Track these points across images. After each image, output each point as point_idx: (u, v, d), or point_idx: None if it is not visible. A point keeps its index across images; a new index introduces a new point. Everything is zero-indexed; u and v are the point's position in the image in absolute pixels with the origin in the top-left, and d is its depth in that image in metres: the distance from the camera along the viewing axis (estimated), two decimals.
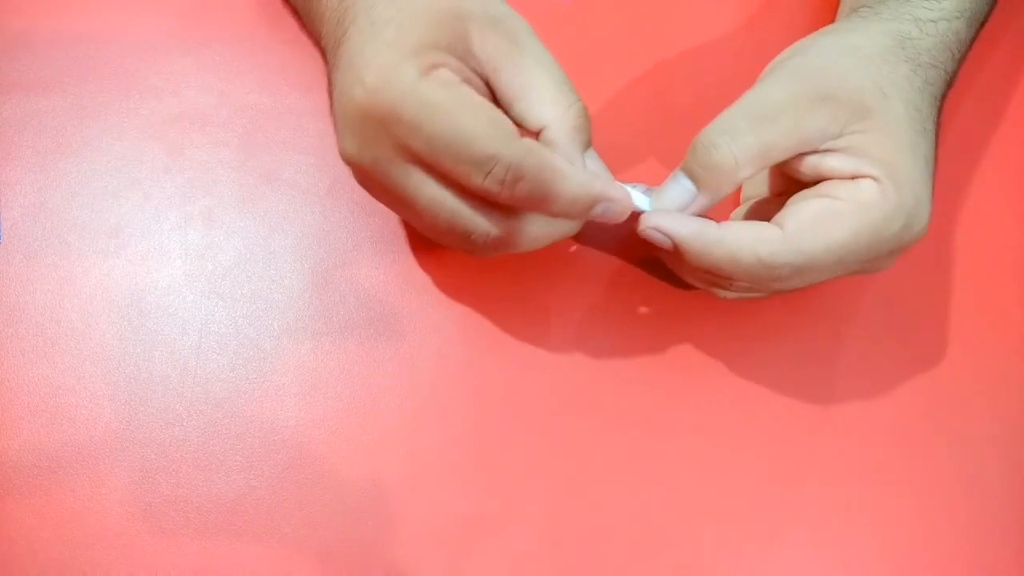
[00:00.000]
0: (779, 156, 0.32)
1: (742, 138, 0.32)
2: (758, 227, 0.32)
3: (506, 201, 0.31)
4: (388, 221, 0.40)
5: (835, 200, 0.32)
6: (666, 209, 0.33)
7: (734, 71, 0.42)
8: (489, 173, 0.30)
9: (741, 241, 0.32)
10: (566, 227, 0.34)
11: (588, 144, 0.33)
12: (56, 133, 0.40)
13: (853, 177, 0.32)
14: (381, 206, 0.40)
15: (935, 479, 0.38)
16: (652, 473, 0.38)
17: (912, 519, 0.38)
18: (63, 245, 0.39)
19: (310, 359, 0.38)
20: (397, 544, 0.36)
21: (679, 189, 0.33)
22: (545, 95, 0.32)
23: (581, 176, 0.31)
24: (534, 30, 0.33)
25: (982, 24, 0.39)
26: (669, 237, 0.32)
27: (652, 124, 0.42)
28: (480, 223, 0.32)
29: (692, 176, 0.33)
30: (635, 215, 0.34)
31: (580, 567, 0.36)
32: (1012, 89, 0.45)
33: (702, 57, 0.44)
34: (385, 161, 0.31)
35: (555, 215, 0.32)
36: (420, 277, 0.39)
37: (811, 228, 0.32)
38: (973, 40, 0.38)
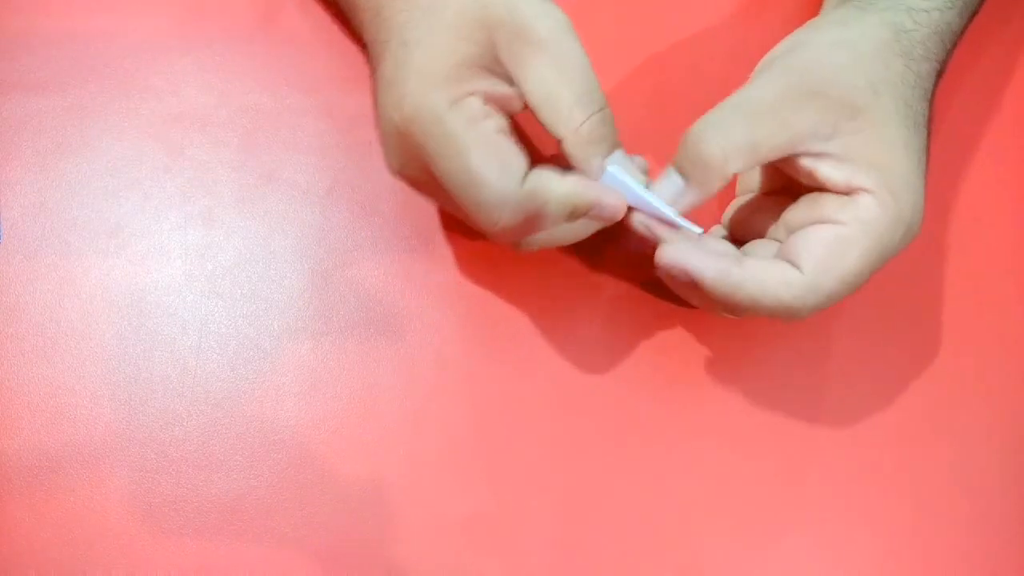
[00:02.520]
0: (768, 153, 0.32)
1: (730, 132, 0.32)
2: (778, 270, 0.32)
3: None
4: (388, 221, 0.40)
5: (840, 226, 0.32)
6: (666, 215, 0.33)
7: (733, 68, 0.42)
8: (494, 223, 0.31)
9: (765, 286, 0.32)
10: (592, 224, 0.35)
11: (608, 151, 0.33)
12: (56, 133, 0.40)
13: (848, 188, 0.32)
14: (381, 206, 0.40)
15: (933, 478, 0.38)
16: (651, 473, 0.38)
17: (911, 519, 0.38)
18: (63, 245, 0.39)
19: (310, 359, 0.38)
20: (397, 544, 0.36)
21: (669, 184, 0.33)
22: (563, 106, 0.32)
23: (569, 187, 0.32)
24: (571, 25, 0.33)
25: (973, 14, 0.39)
26: (690, 276, 0.32)
27: (651, 123, 0.42)
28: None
29: (681, 171, 0.33)
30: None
31: (580, 567, 0.36)
32: (1007, 82, 0.44)
33: (702, 54, 0.44)
34: (424, 180, 0.33)
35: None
36: (420, 277, 0.39)
37: (827, 266, 0.32)
38: (964, 30, 0.38)
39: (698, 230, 0.34)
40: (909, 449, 0.39)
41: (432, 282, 0.39)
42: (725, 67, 0.43)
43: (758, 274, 0.32)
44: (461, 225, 0.40)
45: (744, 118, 0.32)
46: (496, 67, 0.32)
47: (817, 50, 0.34)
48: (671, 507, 0.37)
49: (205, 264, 0.39)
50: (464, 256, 0.39)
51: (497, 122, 0.32)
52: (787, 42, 0.35)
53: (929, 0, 0.35)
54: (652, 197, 0.33)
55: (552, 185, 0.32)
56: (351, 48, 0.42)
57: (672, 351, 0.39)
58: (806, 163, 0.33)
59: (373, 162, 0.40)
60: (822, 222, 0.33)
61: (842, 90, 0.32)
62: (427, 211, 0.40)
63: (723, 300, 0.32)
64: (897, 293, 0.41)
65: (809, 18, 0.38)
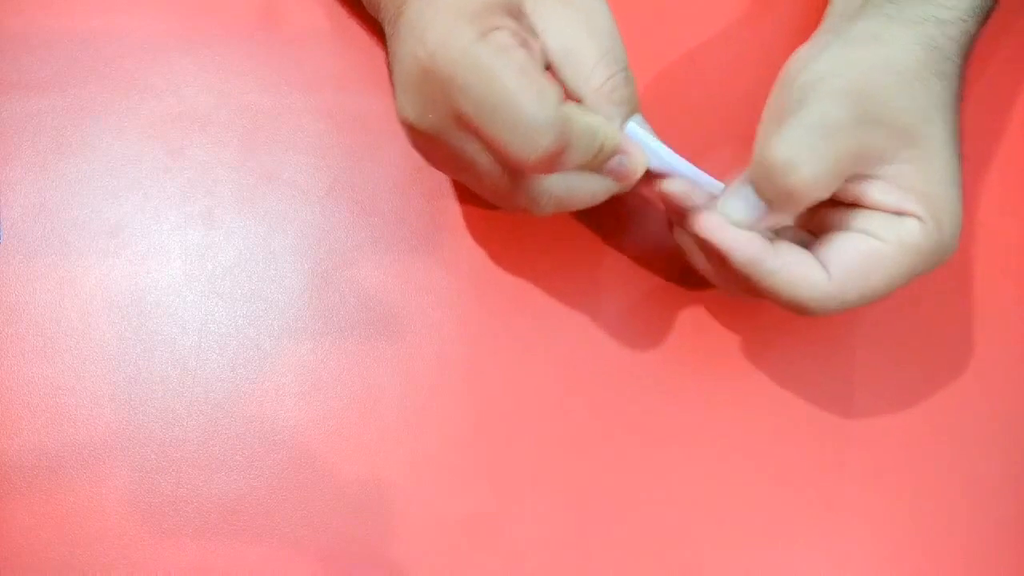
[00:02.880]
0: (843, 178, 0.32)
1: (821, 158, 0.31)
2: (807, 268, 0.32)
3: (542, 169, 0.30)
4: (388, 221, 0.40)
5: (880, 242, 0.32)
6: (730, 221, 0.32)
7: (735, 70, 0.42)
8: (533, 149, 0.29)
9: (791, 279, 0.32)
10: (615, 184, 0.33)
11: (629, 114, 0.32)
12: (56, 133, 0.40)
13: (897, 211, 0.32)
14: (381, 206, 0.40)
15: (933, 478, 0.38)
16: (653, 473, 0.38)
17: (911, 519, 0.38)
18: (63, 245, 0.39)
19: (310, 359, 0.38)
20: (397, 544, 0.36)
21: (746, 205, 0.32)
22: (587, 62, 0.31)
23: (600, 120, 0.31)
24: None
25: (983, 22, 0.39)
26: (721, 252, 0.32)
27: (652, 120, 0.42)
28: (541, 190, 0.32)
29: (763, 194, 0.32)
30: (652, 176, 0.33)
31: (580, 567, 0.36)
32: (1017, 88, 0.44)
33: (703, 55, 0.44)
34: (443, 126, 0.31)
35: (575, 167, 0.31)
36: (420, 277, 0.39)
37: (855, 278, 0.32)
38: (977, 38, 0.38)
39: (720, 186, 0.33)
40: (910, 449, 0.39)
41: (432, 282, 0.39)
42: (727, 69, 0.43)
43: (788, 267, 0.32)
44: (461, 222, 0.40)
45: (828, 143, 0.31)
46: (520, 18, 0.31)
47: (863, 72, 0.33)
48: (673, 507, 0.37)
49: (205, 264, 0.39)
50: (464, 256, 0.40)
51: (528, 53, 0.30)
52: (825, 60, 0.34)
53: (953, 10, 0.35)
54: (672, 156, 0.32)
55: (584, 115, 0.30)
56: (351, 48, 0.42)
57: (679, 350, 0.39)
58: (857, 185, 0.32)
59: (373, 162, 0.40)
60: (863, 232, 0.32)
61: (899, 116, 0.32)
62: (427, 211, 0.40)
63: (746, 279, 0.32)
64: (907, 299, 0.40)
65: (813, 20, 0.38)
